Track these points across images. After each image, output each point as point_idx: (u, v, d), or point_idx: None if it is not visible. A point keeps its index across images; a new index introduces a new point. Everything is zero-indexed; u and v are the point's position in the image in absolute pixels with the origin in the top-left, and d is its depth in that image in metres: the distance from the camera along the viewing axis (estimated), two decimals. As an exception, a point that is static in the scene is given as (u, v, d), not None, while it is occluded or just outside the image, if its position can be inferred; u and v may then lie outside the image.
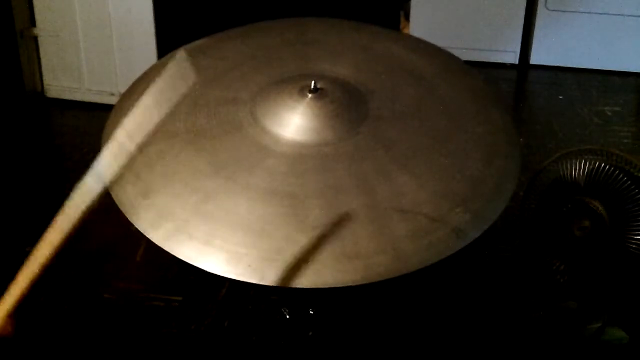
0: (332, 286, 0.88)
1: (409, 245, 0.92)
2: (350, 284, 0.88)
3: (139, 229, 0.95)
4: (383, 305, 1.60)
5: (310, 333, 1.44)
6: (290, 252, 0.90)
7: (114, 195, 1.00)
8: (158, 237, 0.93)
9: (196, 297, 1.63)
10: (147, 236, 0.93)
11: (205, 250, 0.91)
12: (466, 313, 1.59)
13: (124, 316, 1.57)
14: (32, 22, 2.79)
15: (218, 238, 0.92)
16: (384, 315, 1.57)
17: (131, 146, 0.76)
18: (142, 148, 0.76)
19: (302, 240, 0.91)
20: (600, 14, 3.23)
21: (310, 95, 1.08)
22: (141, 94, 1.19)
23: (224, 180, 0.99)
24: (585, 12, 3.24)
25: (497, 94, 1.27)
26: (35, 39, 2.81)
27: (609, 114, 2.83)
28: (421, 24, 3.35)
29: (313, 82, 1.09)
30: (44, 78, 2.87)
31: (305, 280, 0.88)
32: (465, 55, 3.19)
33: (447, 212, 0.96)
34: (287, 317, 1.47)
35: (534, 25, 3.32)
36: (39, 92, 2.88)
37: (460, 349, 1.48)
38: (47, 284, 1.67)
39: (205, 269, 0.90)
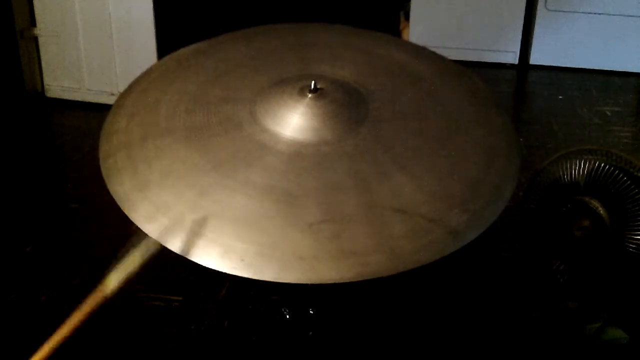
0: (327, 282, 0.88)
1: (405, 244, 0.92)
2: (345, 281, 0.88)
3: (135, 222, 0.95)
4: (383, 306, 1.60)
5: (310, 333, 1.44)
6: (286, 248, 0.90)
7: (111, 190, 1.00)
8: (153, 230, 0.93)
9: (196, 297, 1.63)
10: (143, 229, 0.93)
11: (200, 244, 0.91)
12: (466, 313, 1.59)
13: (124, 316, 1.57)
14: (32, 22, 2.80)
15: (214, 232, 0.92)
16: (384, 315, 1.58)
17: None
18: None
19: (298, 237, 0.91)
20: (600, 14, 3.24)
21: (310, 95, 1.09)
22: (139, 93, 1.19)
23: (222, 176, 0.99)
24: (585, 12, 3.25)
25: (495, 95, 1.27)
26: (35, 39, 2.81)
27: (609, 114, 2.83)
28: (421, 24, 3.36)
29: (313, 82, 1.09)
30: (44, 78, 2.88)
31: (301, 276, 0.88)
32: (465, 56, 3.22)
33: (445, 213, 0.96)
34: (287, 317, 1.47)
35: (534, 25, 3.32)
36: (39, 92, 2.89)
37: (460, 348, 1.48)
38: (48, 284, 1.68)
39: (200, 263, 0.90)
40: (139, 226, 0.94)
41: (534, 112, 2.99)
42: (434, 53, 1.36)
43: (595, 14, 3.24)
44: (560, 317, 1.51)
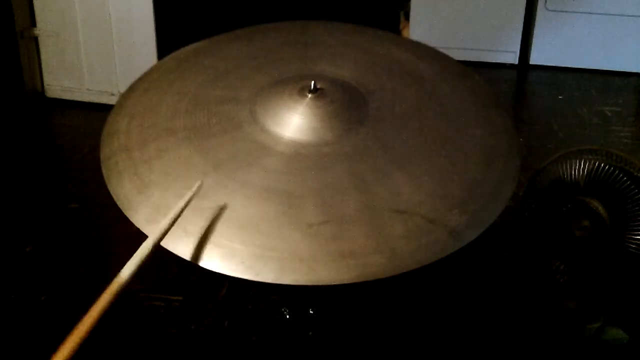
0: (326, 284, 0.88)
1: (404, 245, 0.92)
2: (344, 282, 0.88)
3: (135, 223, 0.95)
4: (383, 306, 1.60)
5: (310, 333, 1.44)
6: (286, 249, 0.90)
7: (112, 191, 1.01)
8: (153, 232, 0.93)
9: (196, 297, 1.63)
10: (143, 231, 0.93)
11: (200, 245, 0.91)
12: (466, 313, 1.59)
13: (124, 316, 1.57)
14: (32, 22, 2.80)
15: (213, 234, 0.92)
16: (384, 315, 1.58)
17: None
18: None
19: (297, 238, 0.91)
20: (600, 14, 3.24)
21: (310, 96, 1.09)
22: (141, 93, 1.19)
23: (222, 178, 0.99)
24: (585, 12, 3.25)
25: (496, 95, 1.27)
26: (35, 39, 2.81)
27: (609, 114, 2.83)
28: (421, 24, 3.36)
29: (313, 82, 1.09)
30: (44, 78, 2.88)
31: (300, 277, 0.88)
32: (465, 56, 3.22)
33: (444, 213, 0.96)
34: (287, 317, 1.47)
35: (534, 25, 3.32)
36: (39, 92, 2.89)
37: (460, 348, 1.48)
38: (48, 284, 1.68)
39: (200, 265, 0.90)
40: (139, 227, 0.94)
41: (534, 112, 2.99)
42: (435, 51, 1.35)
43: (595, 14, 3.24)
44: (560, 317, 1.51)
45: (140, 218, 0.96)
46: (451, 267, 1.71)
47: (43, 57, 2.84)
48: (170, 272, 1.72)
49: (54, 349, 0.90)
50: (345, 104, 1.11)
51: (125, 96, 1.20)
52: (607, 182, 1.39)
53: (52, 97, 2.88)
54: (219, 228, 0.92)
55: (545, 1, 3.27)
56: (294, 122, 1.07)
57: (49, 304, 1.61)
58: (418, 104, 1.17)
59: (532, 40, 3.35)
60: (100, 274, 1.72)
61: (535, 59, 3.38)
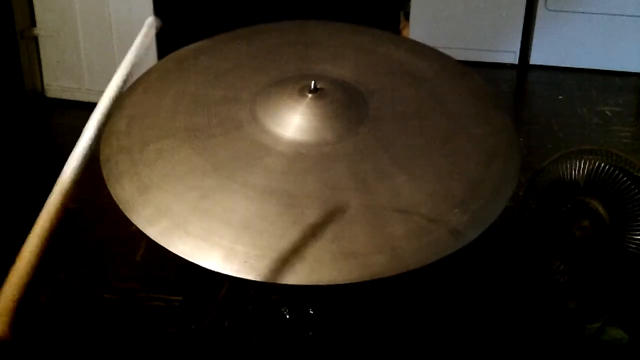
0: (328, 284, 0.88)
1: (405, 245, 0.92)
2: (345, 282, 0.88)
3: (136, 224, 0.95)
4: (383, 306, 1.60)
5: (310, 333, 1.44)
6: (287, 249, 0.90)
7: (112, 192, 1.01)
8: (154, 232, 0.93)
9: (196, 297, 1.63)
10: (144, 231, 0.94)
11: (201, 246, 0.91)
12: (466, 313, 1.59)
13: (124, 316, 1.57)
14: (32, 22, 2.79)
15: (215, 235, 0.92)
16: (384, 315, 1.58)
17: None
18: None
19: (299, 238, 0.91)
20: (600, 14, 3.23)
21: (310, 96, 1.09)
22: (140, 94, 1.19)
23: (222, 178, 0.99)
24: (585, 12, 3.25)
25: (496, 95, 1.27)
26: (35, 39, 2.81)
27: (609, 114, 2.83)
28: (421, 24, 3.36)
29: (313, 82, 1.09)
30: (44, 78, 2.87)
31: (302, 277, 0.88)
32: (465, 55, 3.22)
33: (445, 212, 0.96)
34: (287, 317, 1.47)
35: (534, 25, 3.32)
36: (39, 92, 2.89)
37: (460, 348, 1.48)
38: (48, 284, 1.68)
39: (202, 265, 0.90)
40: (140, 228, 0.94)
41: (534, 112, 2.99)
42: (436, 51, 1.35)
43: (595, 14, 3.24)
44: (560, 317, 1.51)
45: (140, 219, 0.96)
46: (452, 266, 1.71)
47: (43, 57, 2.84)
48: (170, 272, 1.72)
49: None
50: (345, 104, 1.11)
51: (124, 96, 1.20)
52: (607, 182, 1.39)
53: (52, 97, 2.88)
54: (220, 228, 0.92)
55: (545, 1, 3.27)
56: (294, 122, 1.07)
57: (49, 304, 1.61)
58: (418, 103, 1.17)
59: (532, 40, 3.35)
60: (100, 274, 1.72)
61: (535, 59, 3.38)
